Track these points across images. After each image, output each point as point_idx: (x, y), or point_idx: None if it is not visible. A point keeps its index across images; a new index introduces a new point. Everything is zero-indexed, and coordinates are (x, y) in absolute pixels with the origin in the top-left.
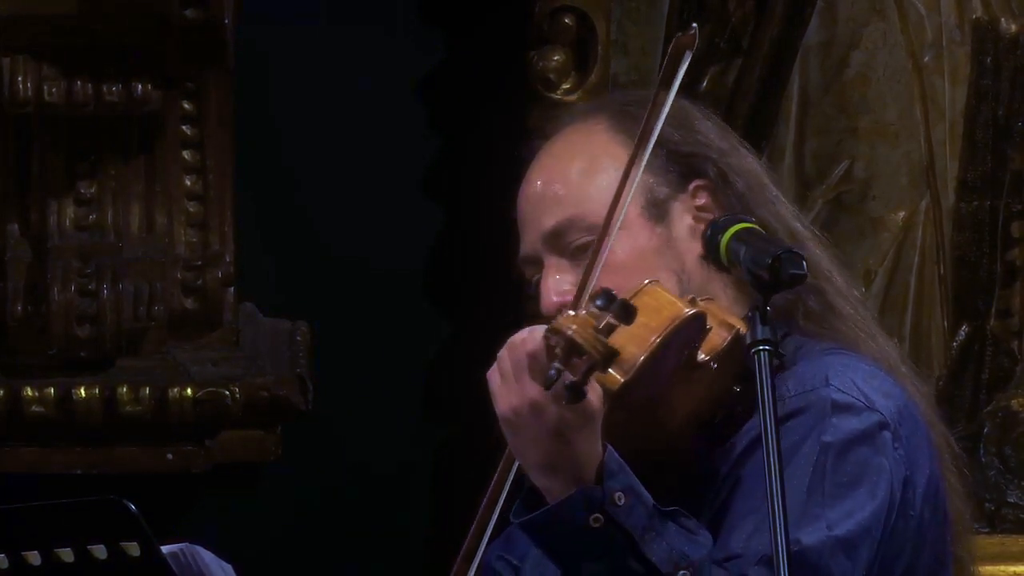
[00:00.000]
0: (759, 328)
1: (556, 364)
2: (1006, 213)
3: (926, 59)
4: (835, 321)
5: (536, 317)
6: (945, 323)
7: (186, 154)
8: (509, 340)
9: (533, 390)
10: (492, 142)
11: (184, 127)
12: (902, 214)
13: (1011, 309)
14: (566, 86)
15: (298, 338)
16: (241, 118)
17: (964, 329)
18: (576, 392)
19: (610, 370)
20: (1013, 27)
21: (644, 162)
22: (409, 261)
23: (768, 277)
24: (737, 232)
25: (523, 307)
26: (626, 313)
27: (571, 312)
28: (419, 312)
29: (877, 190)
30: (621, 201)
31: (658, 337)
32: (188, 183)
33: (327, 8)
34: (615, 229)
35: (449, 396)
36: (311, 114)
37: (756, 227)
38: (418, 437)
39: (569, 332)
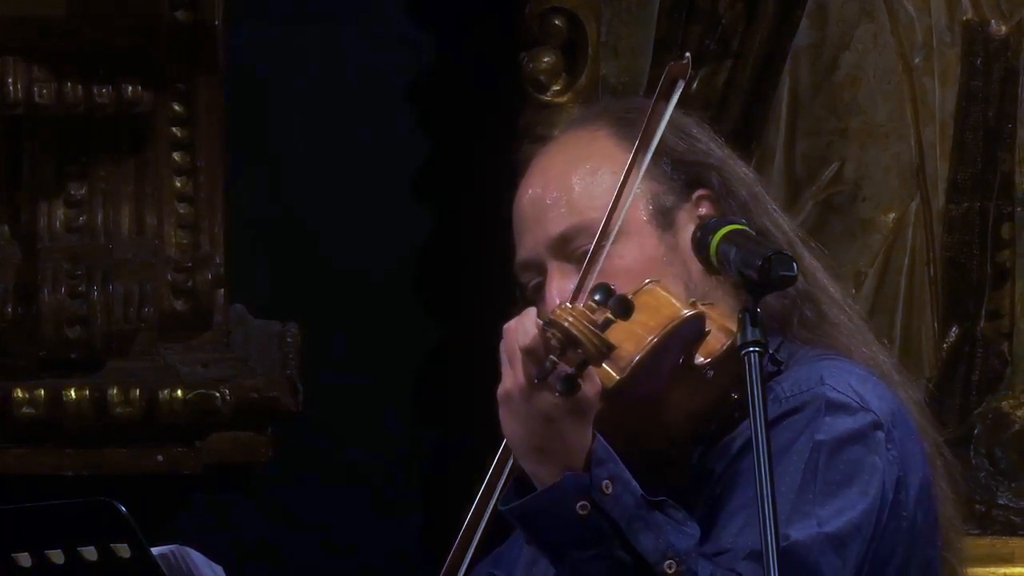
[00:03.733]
0: (749, 330)
1: (552, 356)
2: (996, 214)
3: (916, 60)
4: (830, 329)
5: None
6: (935, 325)
7: (176, 155)
8: (505, 326)
9: (526, 376)
10: (483, 144)
11: (174, 128)
12: (892, 215)
13: (1001, 310)
14: (556, 88)
15: (289, 339)
16: (231, 120)
17: (954, 331)
18: (570, 384)
19: (606, 366)
20: (1003, 28)
21: (644, 168)
22: (400, 262)
23: (758, 278)
24: (727, 233)
25: (514, 309)
26: (624, 308)
27: (568, 304)
28: (410, 313)
29: (867, 191)
30: (620, 204)
31: (655, 337)
32: (178, 184)
33: (317, 10)
34: (614, 232)
35: (439, 397)
36: (301, 116)
37: (746, 228)
38: (409, 438)
39: (565, 324)
